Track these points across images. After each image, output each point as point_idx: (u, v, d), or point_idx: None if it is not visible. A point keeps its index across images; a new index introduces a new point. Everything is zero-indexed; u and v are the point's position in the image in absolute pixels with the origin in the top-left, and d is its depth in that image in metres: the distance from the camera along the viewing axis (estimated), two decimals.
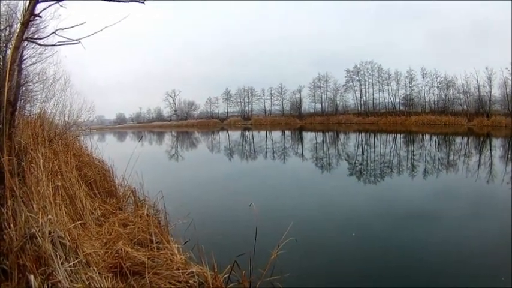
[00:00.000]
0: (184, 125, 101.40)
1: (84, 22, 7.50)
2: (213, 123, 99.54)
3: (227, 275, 6.53)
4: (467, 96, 75.62)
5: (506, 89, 69.87)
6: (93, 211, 8.57)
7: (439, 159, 28.32)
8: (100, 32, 8.04)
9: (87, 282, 4.93)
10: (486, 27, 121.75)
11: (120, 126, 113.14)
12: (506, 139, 45.86)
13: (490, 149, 35.15)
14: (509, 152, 32.93)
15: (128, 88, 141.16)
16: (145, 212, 8.26)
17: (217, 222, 11.72)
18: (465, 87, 75.85)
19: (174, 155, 36.56)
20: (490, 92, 72.30)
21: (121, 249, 6.32)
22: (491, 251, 9.04)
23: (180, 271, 6.17)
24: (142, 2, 7.97)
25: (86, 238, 6.69)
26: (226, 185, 19.30)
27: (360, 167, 25.46)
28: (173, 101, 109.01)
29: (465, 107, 75.61)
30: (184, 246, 7.49)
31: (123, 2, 7.89)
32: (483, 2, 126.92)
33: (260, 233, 7.91)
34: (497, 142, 43.64)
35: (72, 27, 7.43)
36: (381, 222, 12.02)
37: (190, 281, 6.05)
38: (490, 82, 72.04)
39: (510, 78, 68.99)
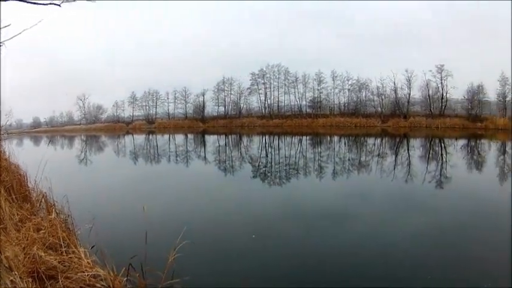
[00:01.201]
0: (93, 128, 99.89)
1: (10, 24, 8.08)
2: (119, 127, 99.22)
3: (126, 277, 6.92)
4: (382, 98, 79.83)
5: (428, 90, 74.47)
6: (12, 216, 8.68)
7: (349, 160, 29.84)
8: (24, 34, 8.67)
9: (10, 286, 5.33)
10: (404, 31, 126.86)
11: (36, 130, 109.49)
12: (427, 139, 48.89)
13: (408, 149, 37.29)
14: (431, 152, 35.15)
15: (45, 91, 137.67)
16: (53, 216, 8.70)
17: (120, 226, 12.22)
18: (380, 90, 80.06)
19: (83, 159, 36.39)
20: (409, 93, 77.00)
21: (36, 254, 6.61)
22: (410, 251, 9.91)
23: (86, 274, 6.50)
24: (59, 5, 8.64)
25: (7, 243, 6.87)
26: (129, 188, 19.98)
27: (264, 169, 26.57)
28: (83, 104, 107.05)
29: (379, 108, 79.48)
30: (91, 250, 7.68)
31: (41, 4, 8.55)
32: (402, 3, 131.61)
33: (158, 236, 8.75)
34: (415, 142, 45.97)
35: None
36: (284, 224, 12.68)
37: (97, 285, 6.44)
38: (410, 84, 76.69)
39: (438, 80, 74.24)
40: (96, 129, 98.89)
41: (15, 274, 5.69)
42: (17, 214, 9.13)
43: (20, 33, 8.20)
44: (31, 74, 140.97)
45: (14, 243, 7.14)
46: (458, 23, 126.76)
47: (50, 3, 8.40)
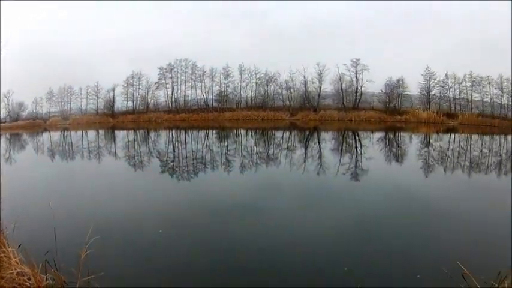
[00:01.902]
0: (15, 126, 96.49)
1: None
2: (37, 124, 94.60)
3: (46, 274, 7.16)
4: (290, 92, 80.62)
5: (341, 84, 75.79)
6: None
7: (257, 153, 30.41)
8: None
9: None
10: (314, 28, 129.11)
11: None
12: (339, 132, 49.70)
13: (319, 142, 38.19)
14: (344, 145, 35.96)
15: None
16: None
17: (38, 223, 11.88)
18: (289, 83, 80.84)
19: (8, 158, 34.54)
20: (320, 87, 77.89)
21: None
22: (323, 244, 10.43)
23: (14, 271, 6.85)
24: None
25: None
26: (47, 186, 19.83)
27: (172, 164, 27.25)
28: (7, 102, 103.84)
29: (287, 102, 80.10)
30: (18, 249, 7.86)
31: None
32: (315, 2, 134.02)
33: (70, 232, 9.31)
34: (326, 135, 46.93)
35: None
36: (192, 218, 13.17)
37: (25, 283, 6.81)
38: (321, 78, 77.67)
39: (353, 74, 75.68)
40: (18, 126, 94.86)
41: None
42: None
43: None
44: None
45: None
46: (376, 21, 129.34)
47: None
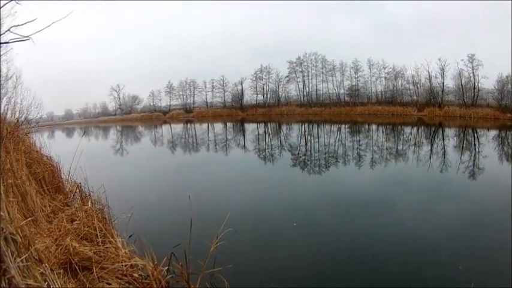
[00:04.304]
0: (128, 119, 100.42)
1: (36, 19, 7.73)
2: (155, 117, 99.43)
3: (167, 267, 6.73)
4: (417, 87, 77.73)
5: (461, 80, 72.30)
6: (44, 208, 8.62)
7: (387, 149, 28.91)
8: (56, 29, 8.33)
9: (39, 278, 4.96)
10: (436, 21, 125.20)
11: (69, 122, 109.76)
12: (461, 129, 47.30)
13: (443, 139, 35.93)
14: (465, 142, 33.58)
15: (74, 84, 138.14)
16: (89, 206, 8.55)
17: (159, 215, 12.10)
18: (415, 78, 77.99)
19: (118, 149, 36.43)
20: (443, 82, 74.46)
21: (69, 245, 6.48)
22: (445, 240, 9.54)
23: (123, 264, 6.46)
24: None
25: (38, 235, 6.74)
26: (167, 178, 19.97)
27: (304, 157, 26.11)
28: (118, 95, 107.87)
29: (415, 97, 77.43)
30: (128, 240, 7.67)
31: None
32: None
33: (199, 225, 8.20)
34: (450, 132, 44.71)
35: (24, 24, 7.67)
36: (325, 212, 12.48)
37: (134, 274, 6.38)
38: (443, 73, 74.14)
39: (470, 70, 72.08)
40: (132, 119, 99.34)
41: (46, 266, 5.36)
42: (49, 205, 9.06)
43: (48, 25, 7.91)
44: (62, 69, 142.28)
45: (45, 235, 7.01)
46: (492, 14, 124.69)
47: None
